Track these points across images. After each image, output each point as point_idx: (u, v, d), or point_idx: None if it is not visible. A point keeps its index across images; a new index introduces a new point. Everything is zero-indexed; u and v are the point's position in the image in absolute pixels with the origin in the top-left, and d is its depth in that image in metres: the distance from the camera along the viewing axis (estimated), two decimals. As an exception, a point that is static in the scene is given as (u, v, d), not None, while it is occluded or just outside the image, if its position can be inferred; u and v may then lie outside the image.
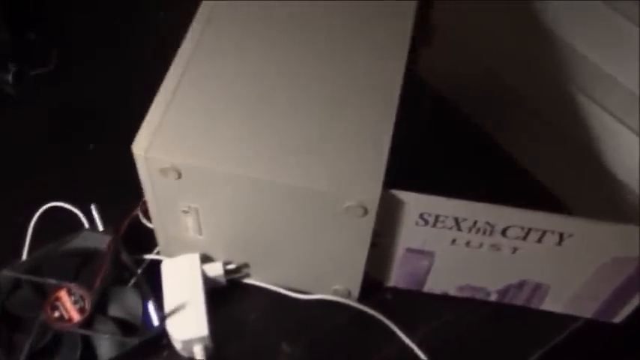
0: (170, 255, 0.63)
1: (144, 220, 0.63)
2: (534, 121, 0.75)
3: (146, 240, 0.63)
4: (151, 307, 0.58)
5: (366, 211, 0.52)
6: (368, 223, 0.54)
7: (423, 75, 0.82)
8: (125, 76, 0.76)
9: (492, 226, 0.55)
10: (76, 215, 0.65)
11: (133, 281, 0.60)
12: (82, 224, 0.64)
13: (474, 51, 0.77)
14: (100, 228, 0.63)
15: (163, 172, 0.53)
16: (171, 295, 0.59)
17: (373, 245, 0.57)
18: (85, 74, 0.78)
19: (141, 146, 0.52)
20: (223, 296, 0.62)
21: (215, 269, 0.61)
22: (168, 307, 0.58)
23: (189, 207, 0.56)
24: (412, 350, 0.60)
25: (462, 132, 0.79)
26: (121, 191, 0.62)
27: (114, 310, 0.59)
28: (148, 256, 0.63)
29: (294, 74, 0.58)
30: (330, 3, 0.63)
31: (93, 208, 0.63)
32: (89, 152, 0.71)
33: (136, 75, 0.61)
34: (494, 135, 0.79)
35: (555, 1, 0.66)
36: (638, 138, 0.65)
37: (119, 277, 0.61)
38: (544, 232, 0.55)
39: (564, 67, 0.69)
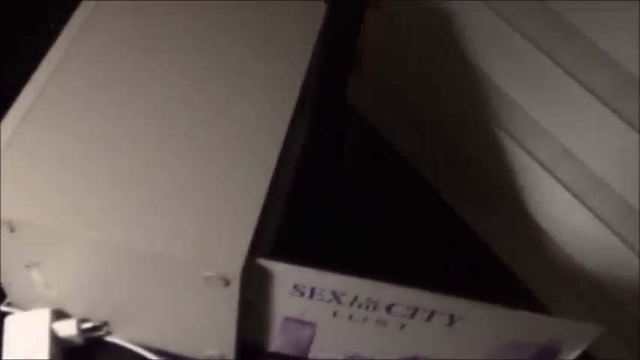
0: (23, 307, 0.55)
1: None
2: (459, 159, 0.69)
3: (-3, 289, 0.56)
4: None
5: (227, 282, 0.46)
6: (232, 294, 0.47)
7: (352, 103, 0.77)
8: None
9: (375, 303, 0.49)
10: None
11: (-28, 338, 0.53)
12: None
13: (400, 84, 0.72)
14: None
15: (-7, 224, 0.45)
16: (12, 357, 0.52)
17: (245, 312, 0.51)
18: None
19: (-37, 195, 0.45)
20: (81, 357, 0.55)
21: (68, 328, 0.53)
22: (7, 371, 0.51)
23: (30, 262, 0.49)
24: None
25: (383, 164, 0.74)
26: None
27: (-56, 372, 0.52)
28: (-5, 308, 0.56)
29: (162, 114, 0.50)
30: (225, 25, 0.56)
31: None
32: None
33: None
34: (417, 169, 0.73)
35: (484, 42, 0.60)
36: (564, 190, 0.60)
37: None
38: (432, 312, 0.49)
39: (489, 106, 0.63)
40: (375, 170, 0.74)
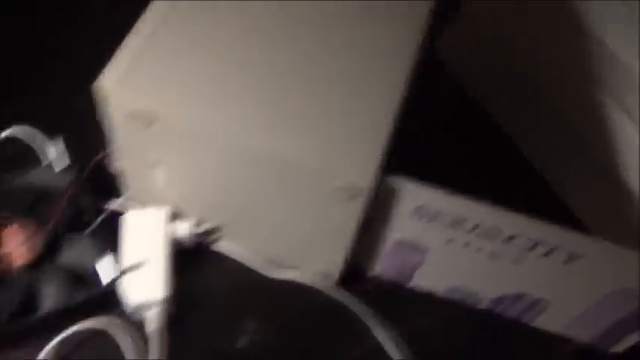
0: (138, 205, 0.57)
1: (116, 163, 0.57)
2: (555, 123, 0.67)
3: (114, 185, 0.57)
4: (105, 262, 0.53)
5: (355, 195, 0.46)
6: (356, 208, 0.47)
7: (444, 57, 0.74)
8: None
9: (497, 232, 0.49)
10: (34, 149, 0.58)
11: (91, 228, 0.55)
12: (39, 159, 0.57)
13: (499, 43, 0.69)
14: (64, 164, 0.57)
15: (133, 115, 0.46)
16: (130, 251, 0.53)
17: (361, 229, 0.51)
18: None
19: (108, 82, 0.45)
20: (189, 260, 0.56)
21: (183, 229, 0.55)
22: (125, 263, 0.53)
23: (158, 159, 0.50)
24: (382, 349, 0.55)
25: (472, 122, 0.71)
26: (95, 128, 0.54)
27: (65, 258, 0.53)
28: (114, 203, 0.57)
29: (297, 36, 0.50)
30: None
31: (54, 142, 0.56)
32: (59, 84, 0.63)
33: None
34: (511, 134, 0.71)
35: (599, 4, 0.57)
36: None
37: (77, 222, 0.55)
38: (553, 248, 0.48)
39: (597, 70, 0.60)
40: (461, 125, 0.72)
